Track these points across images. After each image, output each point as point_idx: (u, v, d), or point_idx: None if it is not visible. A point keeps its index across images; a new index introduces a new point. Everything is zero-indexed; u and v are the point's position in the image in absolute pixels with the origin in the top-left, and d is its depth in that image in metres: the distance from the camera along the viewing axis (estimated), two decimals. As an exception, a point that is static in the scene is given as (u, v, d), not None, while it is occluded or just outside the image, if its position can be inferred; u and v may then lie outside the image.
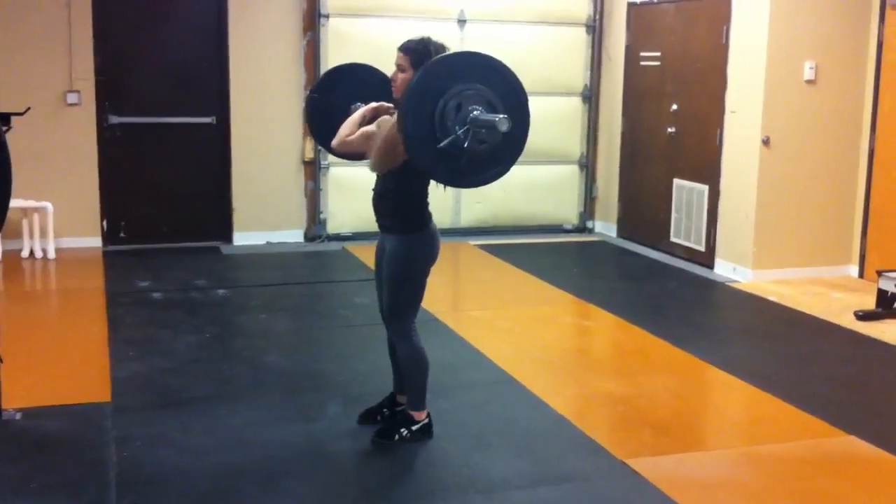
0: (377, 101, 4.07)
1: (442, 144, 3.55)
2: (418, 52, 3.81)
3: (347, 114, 4.14)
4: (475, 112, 3.56)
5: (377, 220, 4.06)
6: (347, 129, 4.01)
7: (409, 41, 3.89)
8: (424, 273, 4.01)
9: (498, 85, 3.66)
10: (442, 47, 3.87)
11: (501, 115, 3.55)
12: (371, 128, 3.92)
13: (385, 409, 4.26)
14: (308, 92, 4.57)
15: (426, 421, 4.13)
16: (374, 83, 4.26)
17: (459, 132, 3.55)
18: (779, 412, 4.59)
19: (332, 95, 4.35)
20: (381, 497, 3.64)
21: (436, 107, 3.56)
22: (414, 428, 4.09)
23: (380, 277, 4.09)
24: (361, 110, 4.04)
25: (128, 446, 3.97)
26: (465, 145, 3.56)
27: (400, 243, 3.95)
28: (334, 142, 4.07)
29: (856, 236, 7.39)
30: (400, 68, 3.87)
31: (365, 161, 4.02)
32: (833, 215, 7.37)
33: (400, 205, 3.95)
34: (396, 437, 4.06)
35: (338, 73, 4.52)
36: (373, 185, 4.03)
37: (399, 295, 3.99)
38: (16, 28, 7.43)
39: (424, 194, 3.97)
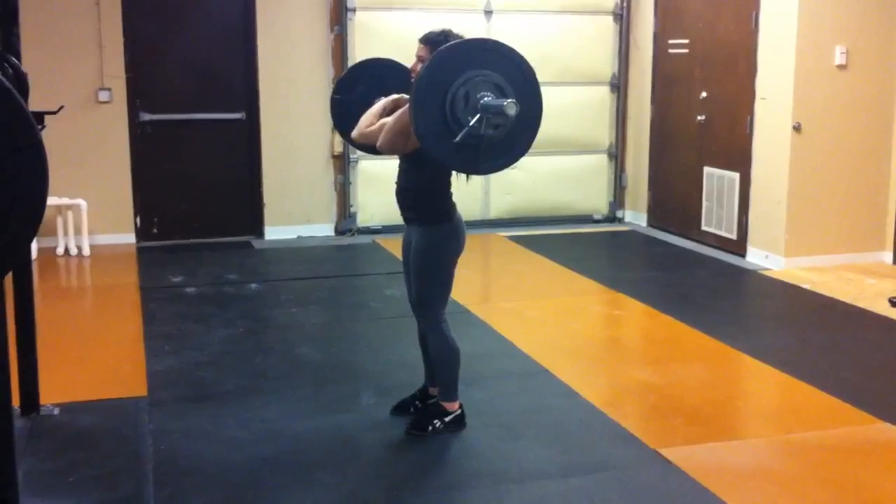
0: (400, 93, 4.06)
1: (458, 138, 3.54)
2: (439, 43, 3.81)
3: (368, 104, 4.14)
4: (486, 98, 3.53)
5: (402, 213, 4.08)
6: (367, 121, 4.01)
7: (429, 32, 3.91)
8: (451, 264, 4.02)
9: (502, 67, 3.60)
10: (461, 38, 3.87)
11: (509, 100, 3.50)
12: (389, 119, 3.91)
13: (417, 402, 4.28)
14: (331, 91, 4.56)
15: (459, 412, 4.14)
16: (397, 77, 4.24)
17: (472, 122, 3.53)
18: (812, 400, 4.57)
19: (354, 92, 4.34)
20: (413, 487, 3.66)
21: (444, 99, 3.53)
22: (447, 419, 4.11)
23: (408, 270, 4.11)
24: (382, 102, 4.04)
25: (164, 439, 4.02)
26: (482, 133, 3.54)
27: (425, 235, 3.97)
28: (354, 133, 4.08)
29: (889, 221, 7.32)
30: (420, 59, 3.88)
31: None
32: (866, 201, 7.30)
33: (421, 196, 3.97)
34: (430, 428, 4.08)
35: (360, 69, 4.52)
36: (395, 178, 4.04)
37: (427, 286, 4.00)
38: (47, 27, 7.51)
39: (446, 185, 3.97)
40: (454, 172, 3.89)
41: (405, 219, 4.07)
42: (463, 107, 3.53)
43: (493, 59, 3.62)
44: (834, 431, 4.21)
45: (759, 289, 6.86)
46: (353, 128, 4.17)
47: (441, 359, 4.09)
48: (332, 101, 4.52)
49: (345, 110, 4.40)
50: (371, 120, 4.00)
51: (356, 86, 4.39)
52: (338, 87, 4.53)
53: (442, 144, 3.59)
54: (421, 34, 4.01)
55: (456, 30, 3.92)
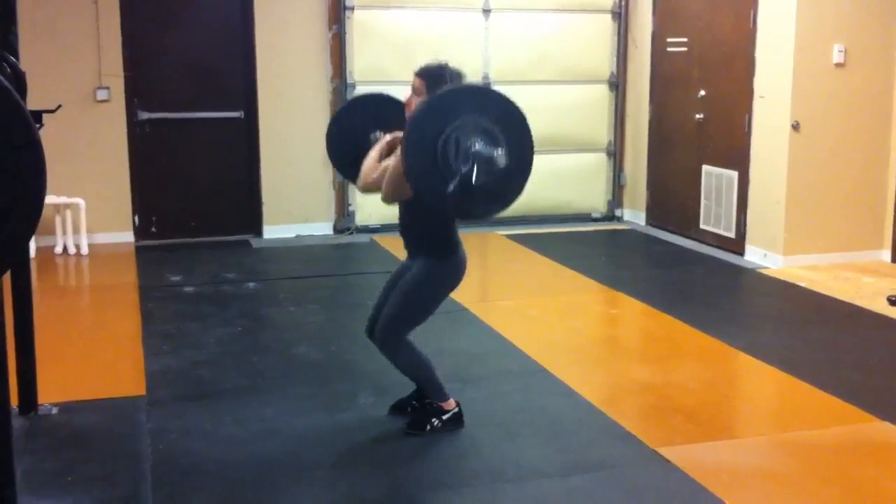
0: (397, 126, 3.99)
1: (451, 188, 3.53)
2: (434, 77, 3.82)
3: (367, 142, 4.13)
4: (477, 146, 3.53)
5: (405, 247, 4.07)
6: (370, 167, 3.96)
7: (426, 65, 3.89)
8: (442, 298, 4.03)
9: (493, 112, 3.62)
10: (458, 74, 3.88)
11: (499, 150, 3.53)
12: (389, 167, 3.86)
13: (415, 402, 4.28)
14: (328, 126, 4.53)
15: (456, 410, 4.15)
16: (392, 110, 4.20)
17: (464, 170, 3.52)
18: (811, 399, 4.57)
19: (349, 126, 4.31)
20: (411, 486, 3.66)
21: (435, 147, 3.53)
22: (444, 417, 4.11)
23: (388, 290, 4.09)
24: (377, 146, 4.00)
25: (162, 439, 4.02)
26: (474, 181, 3.54)
27: (427, 265, 3.95)
28: (359, 184, 4.03)
29: (888, 220, 7.32)
30: (416, 91, 3.87)
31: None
32: (864, 199, 7.30)
33: (426, 235, 3.96)
34: (428, 427, 4.09)
35: (355, 104, 4.53)
36: (398, 216, 4.03)
37: (409, 312, 3.99)
38: (45, 26, 7.50)
39: (449, 222, 3.96)
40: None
41: (408, 251, 4.07)
42: (454, 154, 3.53)
43: (484, 105, 3.63)
44: (832, 430, 4.21)
45: (757, 287, 6.87)
46: (348, 159, 4.18)
47: (416, 375, 4.10)
48: (328, 134, 4.48)
49: (339, 142, 4.36)
50: (372, 165, 3.95)
51: (351, 118, 4.35)
52: (334, 120, 4.52)
53: (435, 191, 3.59)
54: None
55: (452, 64, 3.91)
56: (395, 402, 4.32)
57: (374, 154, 3.99)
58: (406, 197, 3.86)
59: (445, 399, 4.13)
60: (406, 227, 4.03)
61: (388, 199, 3.92)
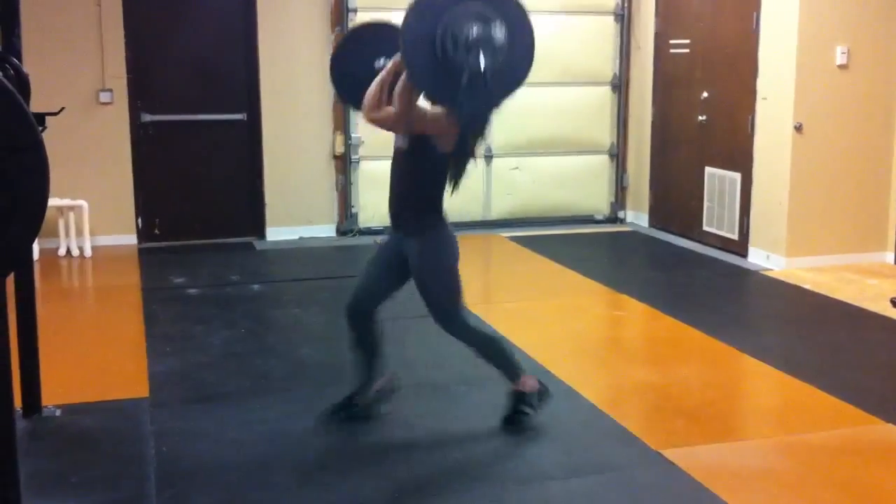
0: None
1: (464, 83, 3.46)
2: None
3: (373, 71, 4.01)
4: (474, 32, 3.45)
5: (393, 221, 3.99)
6: (371, 94, 3.75)
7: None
8: (456, 266, 3.98)
9: None
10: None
11: (495, 27, 3.44)
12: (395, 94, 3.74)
13: (351, 402, 4.19)
14: (330, 58, 4.39)
15: (537, 386, 4.12)
16: (396, 38, 4.14)
17: (471, 61, 3.45)
18: (814, 400, 4.56)
19: (354, 56, 4.19)
20: (415, 489, 3.66)
21: (434, 49, 3.44)
22: (532, 402, 4.10)
23: (377, 265, 4.07)
24: (384, 71, 3.81)
25: (166, 441, 4.03)
26: (482, 67, 3.46)
27: (426, 244, 3.92)
28: (364, 110, 3.83)
29: (891, 222, 7.31)
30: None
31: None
32: (868, 201, 7.30)
33: (418, 200, 3.91)
34: (524, 417, 4.08)
35: (357, 34, 4.36)
36: (388, 183, 3.98)
37: (445, 295, 3.96)
38: (48, 28, 7.51)
39: (441, 188, 3.89)
40: (447, 179, 3.83)
41: (396, 226, 3.99)
42: (454, 49, 3.45)
43: None
44: (836, 432, 4.20)
45: (760, 289, 6.86)
46: (355, 90, 4.05)
47: (486, 353, 4.08)
48: (331, 64, 4.35)
49: (344, 74, 4.24)
50: (376, 89, 3.75)
51: (356, 48, 4.23)
52: (336, 53, 4.39)
53: (447, 93, 3.53)
54: None
55: None
56: (331, 406, 4.20)
57: (378, 79, 3.79)
58: (415, 121, 3.73)
59: (519, 377, 4.09)
60: (398, 194, 3.94)
61: (399, 119, 3.73)
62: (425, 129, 3.77)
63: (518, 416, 4.11)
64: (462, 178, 3.85)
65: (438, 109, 3.74)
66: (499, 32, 3.44)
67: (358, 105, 4.10)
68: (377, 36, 4.16)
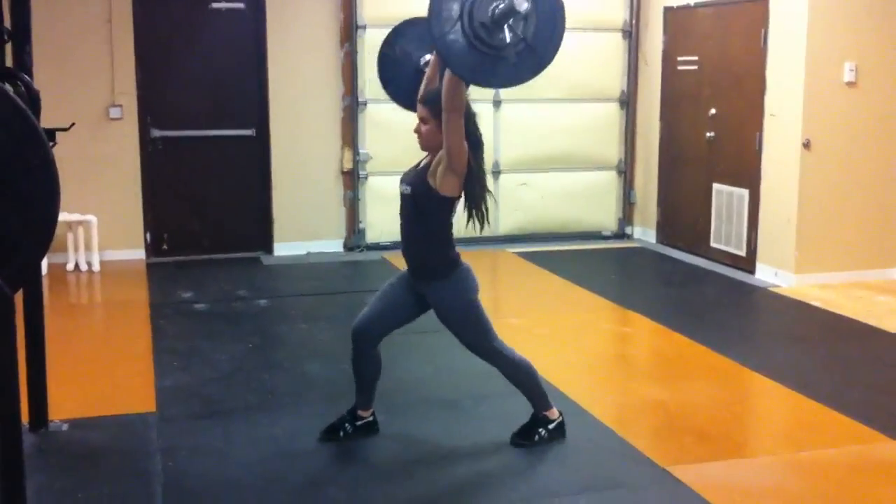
0: None
1: (504, 55, 3.42)
2: (439, 100, 3.70)
3: (415, 66, 4.10)
4: (498, 6, 3.39)
5: (410, 269, 4.01)
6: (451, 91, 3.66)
7: (426, 93, 3.86)
8: (478, 303, 3.99)
9: None
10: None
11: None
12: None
13: (347, 424, 4.21)
14: (380, 49, 4.41)
15: (560, 419, 4.18)
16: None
17: (502, 37, 3.41)
18: (823, 418, 4.54)
19: (399, 49, 4.24)
20: (422, 506, 3.65)
21: (466, 35, 3.39)
22: (550, 427, 4.14)
23: (384, 298, 4.07)
24: (447, 75, 3.69)
25: (173, 456, 4.02)
26: (511, 42, 3.42)
27: (445, 292, 3.94)
28: (451, 113, 3.65)
29: (900, 239, 7.30)
30: (423, 121, 3.83)
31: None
32: (877, 218, 7.28)
33: (429, 248, 3.93)
34: (536, 437, 4.12)
35: (404, 28, 4.37)
36: (399, 229, 3.99)
37: (474, 333, 4.01)
38: (59, 45, 7.55)
39: (450, 239, 3.93)
40: (470, 223, 3.86)
41: (411, 270, 4.01)
42: (484, 31, 3.41)
43: None
44: (845, 450, 4.18)
45: (768, 306, 6.84)
46: (399, 81, 4.13)
47: (518, 379, 4.13)
48: (379, 56, 4.35)
49: (391, 64, 4.29)
50: (449, 87, 3.66)
51: (401, 42, 4.27)
52: (385, 43, 4.38)
53: (483, 71, 3.48)
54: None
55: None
56: (327, 426, 4.23)
57: (446, 76, 3.65)
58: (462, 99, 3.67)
59: (549, 407, 4.15)
60: (409, 242, 3.98)
61: (461, 108, 3.66)
62: (459, 147, 3.71)
63: (531, 434, 4.13)
64: (486, 216, 3.88)
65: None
66: (521, 6, 3.40)
67: (406, 104, 4.20)
68: (419, 30, 4.17)
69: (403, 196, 3.95)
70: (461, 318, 3.98)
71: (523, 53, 3.50)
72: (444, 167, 3.75)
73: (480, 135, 3.88)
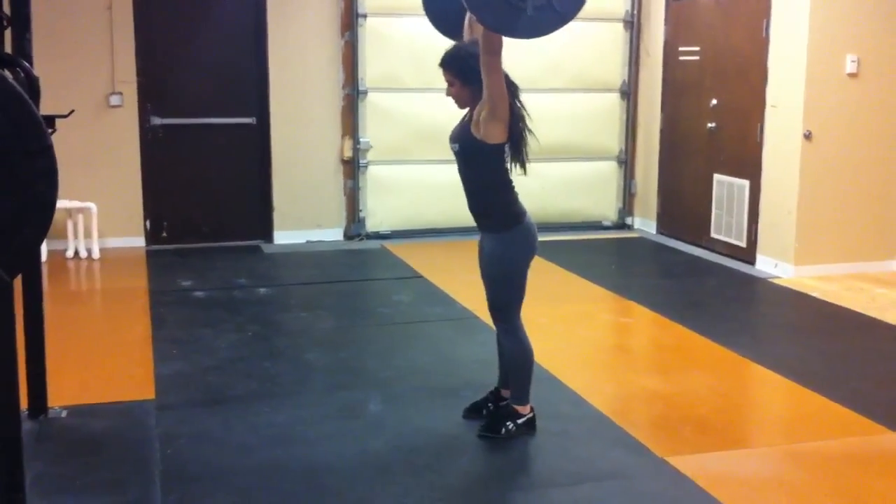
0: None
1: (523, 6, 3.46)
2: (457, 58, 3.82)
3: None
4: None
5: (477, 225, 4.08)
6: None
7: (443, 56, 3.89)
8: (524, 270, 4.03)
9: None
10: (473, 45, 3.84)
11: None
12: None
13: (490, 404, 4.28)
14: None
15: (531, 415, 4.16)
16: None
17: None
18: (822, 409, 4.55)
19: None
20: (422, 494, 3.65)
21: None
22: (519, 421, 4.11)
23: (483, 275, 4.12)
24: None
25: (172, 444, 4.03)
26: None
27: (497, 243, 3.99)
28: (490, 57, 3.68)
29: (900, 231, 7.30)
30: (450, 83, 3.89)
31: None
32: (877, 209, 7.28)
33: (487, 198, 3.98)
34: (503, 430, 4.09)
35: None
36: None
37: (501, 293, 4.03)
38: (59, 32, 7.54)
39: (508, 185, 3.98)
40: (511, 168, 3.91)
41: (478, 224, 4.08)
42: None
43: None
44: (843, 441, 4.19)
45: (768, 297, 6.84)
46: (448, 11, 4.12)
47: (516, 362, 4.12)
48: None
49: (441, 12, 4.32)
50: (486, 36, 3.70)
51: None
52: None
53: (506, 21, 3.50)
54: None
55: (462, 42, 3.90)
56: (469, 404, 4.32)
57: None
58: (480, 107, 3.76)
59: (524, 403, 4.14)
60: (469, 193, 4.02)
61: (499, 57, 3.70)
62: (500, 89, 3.73)
63: (499, 427, 4.10)
64: (526, 157, 3.92)
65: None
66: None
67: (452, 35, 4.22)
68: None
69: (456, 154, 3.98)
70: (500, 273, 4.00)
71: (543, 8, 3.54)
72: (487, 115, 3.77)
73: (513, 80, 3.88)
